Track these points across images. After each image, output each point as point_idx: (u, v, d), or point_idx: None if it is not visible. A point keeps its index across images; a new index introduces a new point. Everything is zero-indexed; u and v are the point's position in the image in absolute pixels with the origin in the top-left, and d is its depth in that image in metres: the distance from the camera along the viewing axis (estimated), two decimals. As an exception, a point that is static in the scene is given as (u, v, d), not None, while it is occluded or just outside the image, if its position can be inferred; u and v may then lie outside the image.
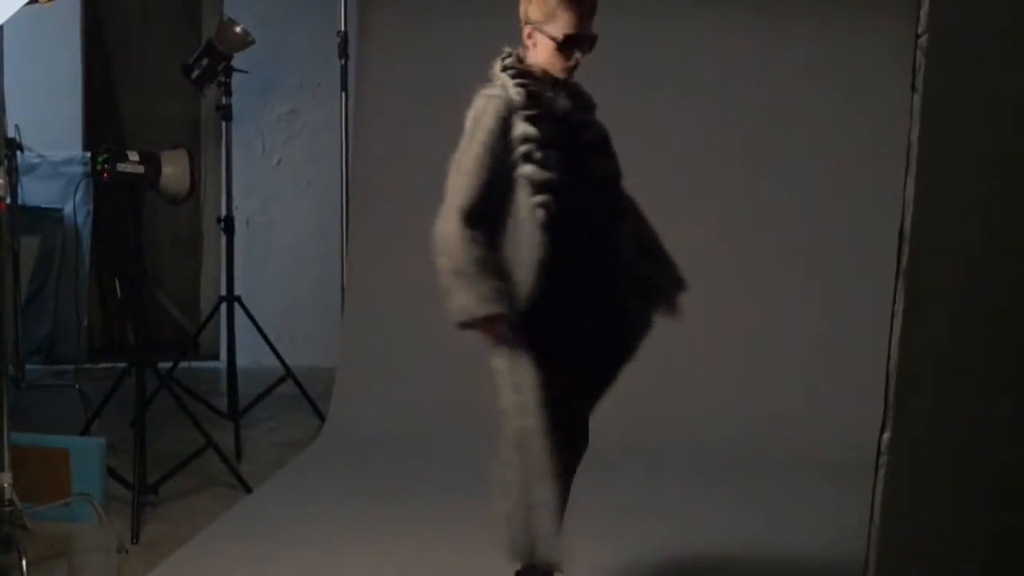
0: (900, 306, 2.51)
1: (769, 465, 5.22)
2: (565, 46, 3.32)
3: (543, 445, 3.24)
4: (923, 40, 2.45)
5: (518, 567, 3.47)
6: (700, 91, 5.89)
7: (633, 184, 3.56)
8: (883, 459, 2.57)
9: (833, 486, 4.89)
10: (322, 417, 6.03)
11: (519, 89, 3.31)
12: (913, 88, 2.48)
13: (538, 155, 3.26)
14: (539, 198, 3.23)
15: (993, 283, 2.56)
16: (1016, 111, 2.50)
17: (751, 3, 5.91)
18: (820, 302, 5.72)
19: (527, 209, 3.23)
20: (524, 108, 3.29)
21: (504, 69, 3.38)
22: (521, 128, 3.27)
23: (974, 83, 2.50)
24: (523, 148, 3.26)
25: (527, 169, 3.25)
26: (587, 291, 3.37)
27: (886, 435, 2.56)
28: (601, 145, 3.45)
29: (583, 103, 3.46)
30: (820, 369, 5.60)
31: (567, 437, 3.36)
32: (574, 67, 3.37)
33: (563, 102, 3.40)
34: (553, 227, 3.23)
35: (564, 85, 3.42)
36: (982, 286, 2.56)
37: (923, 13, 2.44)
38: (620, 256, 3.45)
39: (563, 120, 3.38)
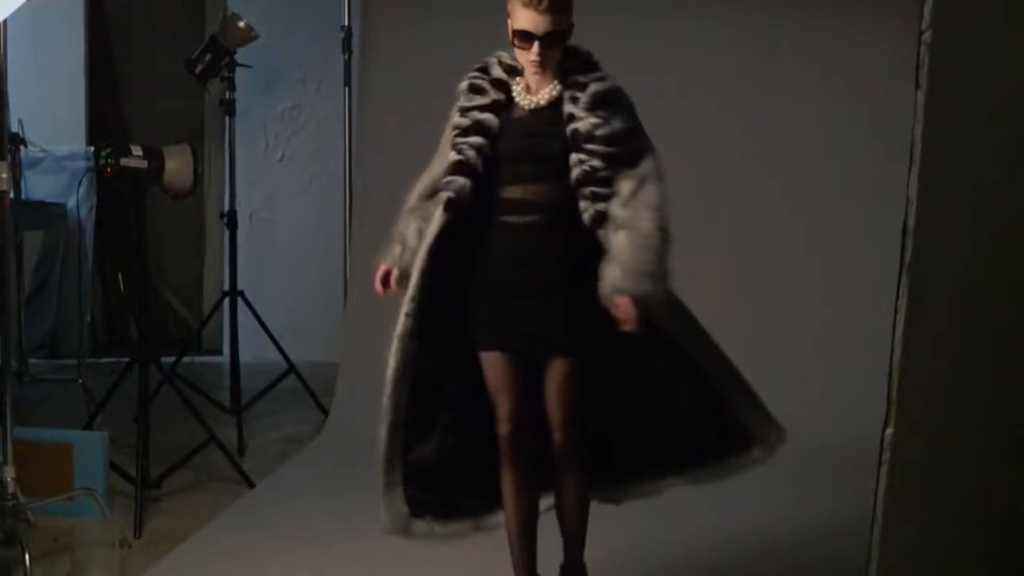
0: (903, 301, 2.51)
1: (771, 461, 5.21)
2: (518, 40, 3.42)
3: (387, 406, 3.56)
4: (927, 36, 2.45)
5: None
6: (702, 89, 5.88)
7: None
8: (885, 455, 2.57)
9: (835, 482, 4.89)
10: (325, 412, 6.03)
11: (465, 82, 3.56)
12: (917, 84, 2.48)
13: (455, 141, 3.50)
14: (447, 179, 3.48)
15: (996, 278, 2.56)
16: (1019, 107, 2.50)
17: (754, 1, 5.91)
18: (821, 299, 5.71)
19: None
20: (463, 99, 3.54)
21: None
22: (453, 118, 3.55)
23: (977, 79, 2.50)
24: (451, 134, 3.54)
25: (450, 154, 3.51)
26: (467, 273, 3.52)
27: (888, 431, 2.56)
28: (576, 142, 3.42)
29: (573, 97, 3.45)
30: (822, 365, 5.59)
31: (435, 410, 3.62)
32: (538, 62, 3.42)
33: (540, 95, 3.48)
34: (451, 208, 3.46)
35: (557, 78, 3.47)
36: (985, 281, 2.56)
37: (927, 9, 2.44)
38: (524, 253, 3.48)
39: (530, 113, 3.49)
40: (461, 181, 3.47)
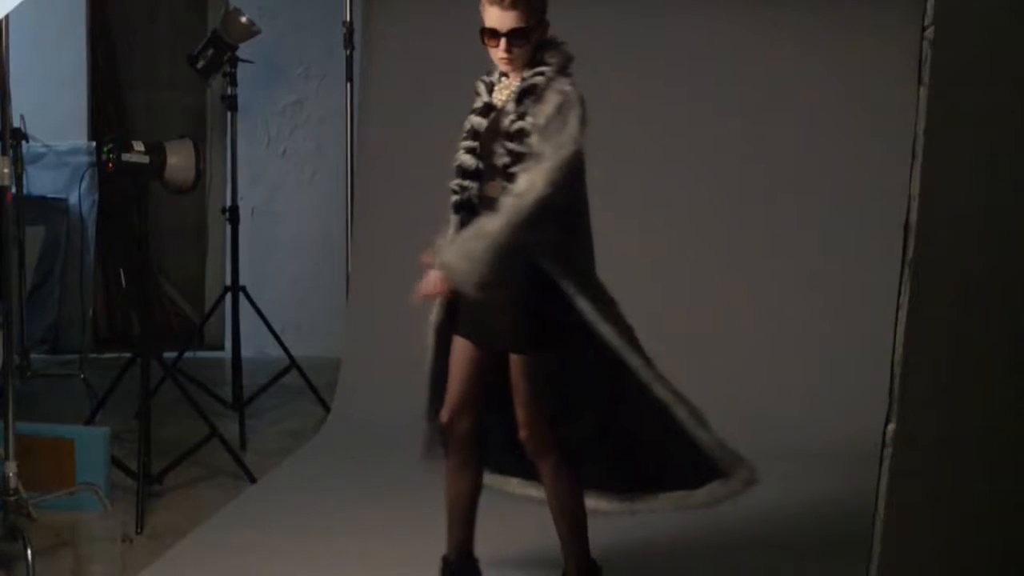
0: (905, 297, 2.51)
1: (773, 457, 5.21)
2: (487, 38, 3.48)
3: (427, 382, 3.82)
4: (929, 32, 2.44)
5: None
6: (701, 88, 5.88)
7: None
8: (888, 451, 2.57)
9: (836, 477, 4.90)
10: (326, 407, 6.04)
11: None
12: (919, 80, 2.48)
13: (460, 143, 3.57)
14: (451, 183, 3.58)
15: (998, 275, 2.56)
16: (1021, 102, 2.50)
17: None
18: (823, 295, 5.71)
19: None
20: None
21: None
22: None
23: (980, 75, 2.50)
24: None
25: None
26: None
27: (891, 426, 2.56)
28: (512, 136, 3.45)
29: (518, 90, 3.48)
30: (824, 361, 5.59)
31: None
32: (506, 59, 3.47)
33: (504, 94, 3.53)
34: (458, 209, 3.57)
35: (516, 75, 3.51)
36: (987, 278, 2.56)
37: (929, 4, 2.44)
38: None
39: (500, 110, 3.54)
40: (458, 183, 3.57)
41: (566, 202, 3.41)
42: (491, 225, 3.34)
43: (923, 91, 2.47)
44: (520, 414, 3.57)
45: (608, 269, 3.67)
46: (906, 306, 2.51)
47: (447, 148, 3.66)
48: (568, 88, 3.43)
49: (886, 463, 2.57)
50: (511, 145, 3.43)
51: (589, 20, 5.68)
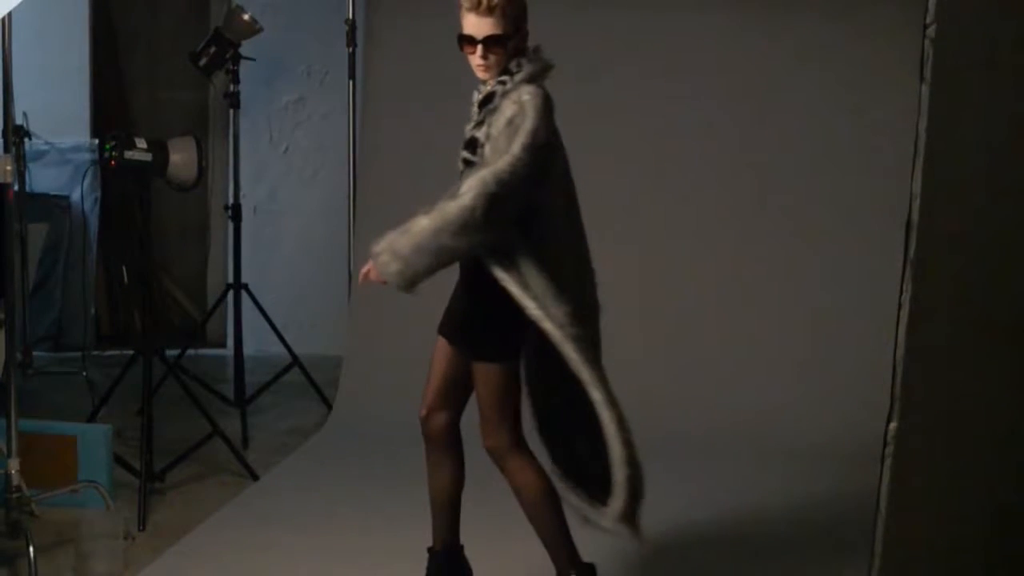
0: (907, 295, 2.51)
1: (773, 456, 5.22)
2: (464, 45, 3.45)
3: None
4: (931, 30, 2.44)
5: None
6: (700, 89, 5.87)
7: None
8: (889, 449, 2.57)
9: (838, 476, 4.89)
10: (329, 405, 6.03)
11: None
12: (921, 78, 2.48)
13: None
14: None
15: (999, 273, 2.56)
16: (1023, 100, 2.50)
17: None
18: (825, 294, 5.71)
19: None
20: None
21: None
22: None
23: (982, 72, 2.50)
24: None
25: None
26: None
27: (893, 425, 2.56)
28: (466, 144, 3.48)
29: (480, 98, 3.49)
30: (826, 359, 5.59)
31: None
32: (482, 66, 3.44)
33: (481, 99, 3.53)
34: None
35: (492, 83, 3.48)
36: (989, 276, 2.56)
37: (931, 3, 2.44)
38: None
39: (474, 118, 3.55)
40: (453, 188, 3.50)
41: (511, 211, 3.34)
42: (418, 224, 3.34)
43: (925, 89, 2.47)
44: (480, 417, 3.54)
45: (607, 270, 3.67)
46: (907, 304, 2.51)
47: (449, 146, 3.65)
48: (527, 98, 3.35)
49: (887, 462, 2.57)
50: (464, 153, 3.45)
51: (587, 22, 5.68)
